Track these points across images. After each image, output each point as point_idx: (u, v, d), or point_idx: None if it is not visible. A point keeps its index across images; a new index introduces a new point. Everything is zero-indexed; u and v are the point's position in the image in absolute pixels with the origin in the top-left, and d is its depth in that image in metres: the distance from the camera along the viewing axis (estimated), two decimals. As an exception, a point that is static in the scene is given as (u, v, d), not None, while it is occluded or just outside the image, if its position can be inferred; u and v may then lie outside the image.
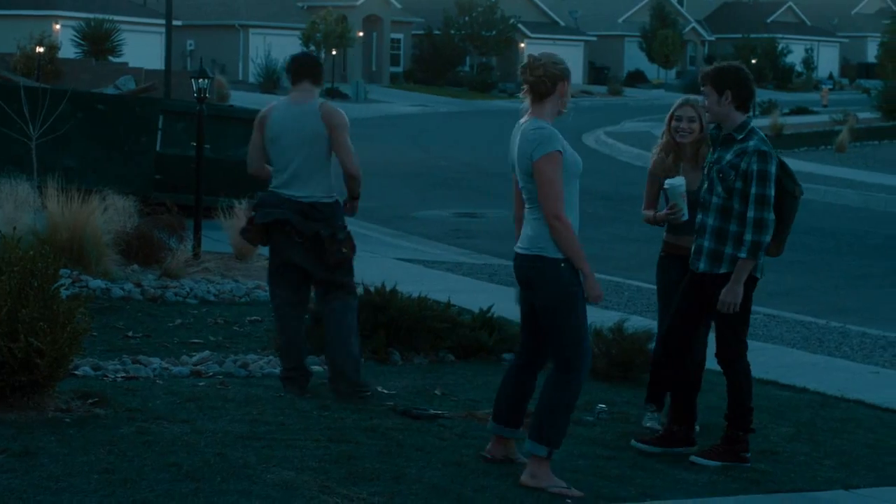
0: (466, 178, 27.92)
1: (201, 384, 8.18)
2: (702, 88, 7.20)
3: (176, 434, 6.67)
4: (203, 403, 7.48)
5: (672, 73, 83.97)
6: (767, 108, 48.53)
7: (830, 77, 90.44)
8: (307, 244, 8.03)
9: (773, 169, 7.02)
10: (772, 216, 7.03)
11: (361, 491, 5.91)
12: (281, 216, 8.09)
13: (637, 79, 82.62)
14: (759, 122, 44.70)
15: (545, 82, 6.42)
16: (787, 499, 6.57)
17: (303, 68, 8.37)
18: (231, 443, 6.57)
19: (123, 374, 8.39)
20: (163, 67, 34.28)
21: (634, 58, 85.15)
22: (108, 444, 6.39)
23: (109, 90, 18.52)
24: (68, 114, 16.32)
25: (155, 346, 9.63)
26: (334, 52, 63.50)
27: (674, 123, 7.76)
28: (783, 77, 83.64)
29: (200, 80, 13.76)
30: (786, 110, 50.60)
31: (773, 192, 7.00)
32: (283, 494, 5.76)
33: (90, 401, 7.23)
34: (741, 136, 7.08)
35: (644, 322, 10.70)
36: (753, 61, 59.35)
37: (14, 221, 11.96)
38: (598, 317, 10.04)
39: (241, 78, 64.53)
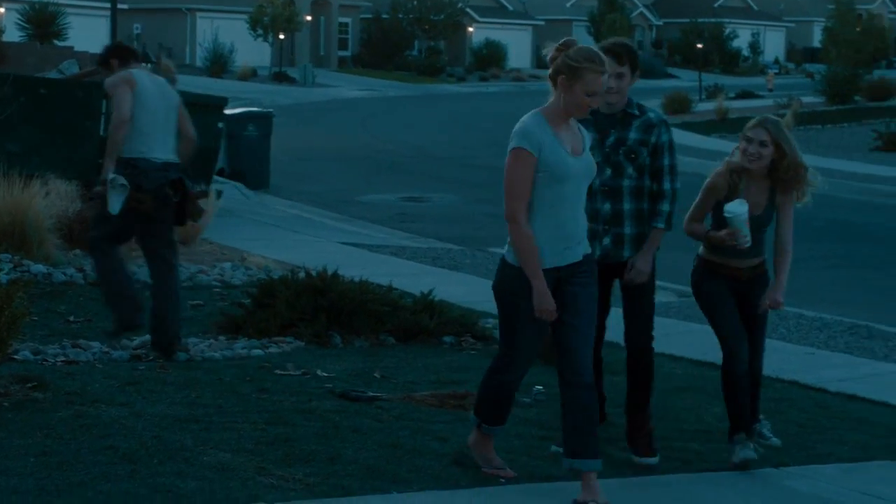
0: (413, 163, 27.98)
1: (141, 368, 8.22)
2: (619, 69, 6.79)
3: (114, 417, 6.71)
4: (142, 387, 7.52)
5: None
6: (713, 93, 48.81)
7: (776, 61, 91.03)
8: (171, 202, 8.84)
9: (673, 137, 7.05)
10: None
11: (297, 472, 5.97)
12: (174, 176, 8.88)
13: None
14: (704, 107, 45.35)
15: (552, 74, 6.02)
16: (717, 477, 6.69)
17: (127, 51, 9.66)
18: (168, 426, 6.62)
19: (63, 359, 8.41)
20: (109, 52, 34.09)
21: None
22: (45, 427, 6.42)
23: (53, 74, 18.41)
24: (10, 98, 16.21)
25: (96, 330, 9.64)
26: (282, 37, 63.33)
27: (742, 144, 6.92)
28: (730, 61, 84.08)
29: (142, 64, 13.71)
30: (731, 94, 50.92)
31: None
32: (219, 476, 5.82)
33: (29, 385, 7.25)
34: (637, 112, 6.90)
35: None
36: (699, 46, 59.50)
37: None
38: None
39: (188, 62, 64.23)
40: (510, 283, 6.05)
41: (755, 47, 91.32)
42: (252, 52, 63.22)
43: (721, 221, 6.86)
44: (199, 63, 63.49)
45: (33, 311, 9.99)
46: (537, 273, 5.93)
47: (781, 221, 6.98)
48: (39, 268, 11.64)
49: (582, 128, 6.15)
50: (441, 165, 26.04)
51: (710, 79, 63.42)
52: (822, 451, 7.42)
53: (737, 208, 6.70)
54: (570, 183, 5.97)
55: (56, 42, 46.05)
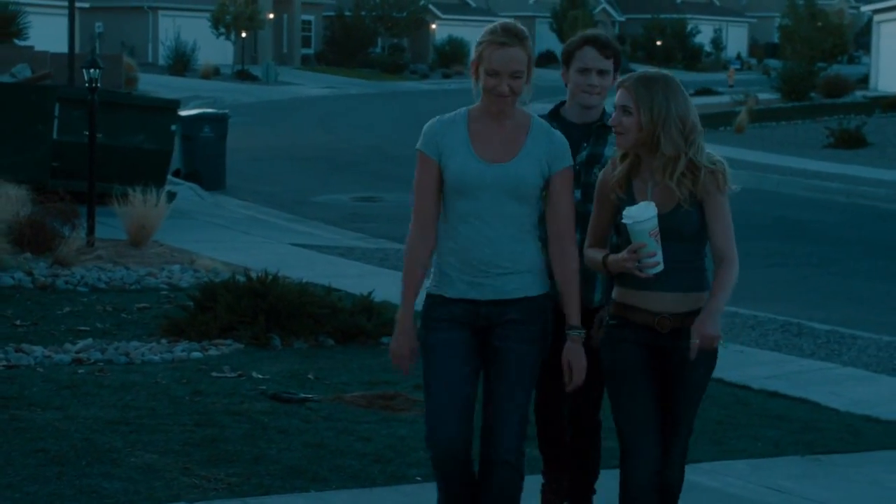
0: (369, 162, 28.21)
1: (80, 371, 8.44)
2: (603, 64, 5.70)
3: (47, 420, 6.95)
4: (79, 390, 7.75)
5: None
6: (673, 89, 49.10)
7: (738, 57, 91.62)
8: None
9: None
10: None
11: (220, 472, 6.23)
12: None
13: (548, 59, 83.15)
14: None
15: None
16: (694, 468, 6.94)
17: None
18: (100, 428, 6.86)
19: (5, 364, 8.62)
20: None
21: (545, 38, 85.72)
22: (-22, 431, 6.66)
23: (5, 78, 18.62)
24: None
25: (42, 334, 9.85)
26: (244, 35, 63.45)
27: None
28: (692, 57, 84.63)
29: (91, 70, 13.95)
30: (691, 91, 51.31)
31: None
32: (144, 476, 6.07)
33: (-33, 389, 7.48)
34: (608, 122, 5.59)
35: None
36: (659, 43, 59.95)
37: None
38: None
39: (150, 60, 64.32)
40: (421, 315, 5.06)
41: (717, 43, 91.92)
42: (215, 50, 63.33)
43: (625, 241, 5.03)
44: (161, 61, 63.55)
45: (-21, 315, 10.27)
46: (404, 302, 4.99)
47: (709, 224, 5.02)
48: (-12, 272, 11.84)
49: (551, 134, 5.06)
50: (396, 164, 26.23)
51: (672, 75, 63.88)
52: (736, 447, 7.71)
53: (637, 212, 4.93)
54: (477, 197, 4.94)
55: (16, 41, 46.09)
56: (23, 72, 18.47)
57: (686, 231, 5.05)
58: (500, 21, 5.16)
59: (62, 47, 47.20)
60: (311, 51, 74.61)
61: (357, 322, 10.19)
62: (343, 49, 73.16)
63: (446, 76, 71.59)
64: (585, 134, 5.74)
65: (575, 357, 5.07)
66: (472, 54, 5.07)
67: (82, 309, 10.99)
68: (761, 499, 6.75)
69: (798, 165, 28.00)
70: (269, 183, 24.06)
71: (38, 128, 17.30)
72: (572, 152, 5.29)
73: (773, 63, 74.46)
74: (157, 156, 17.82)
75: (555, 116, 5.76)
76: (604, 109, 5.75)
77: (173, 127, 18.36)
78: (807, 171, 26.89)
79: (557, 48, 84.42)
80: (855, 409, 8.96)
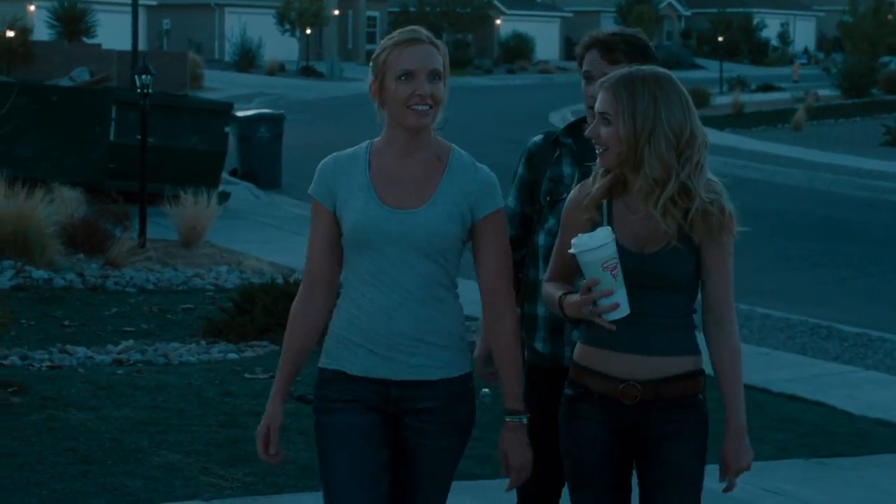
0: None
1: (119, 372, 8.84)
2: (607, 69, 4.47)
3: (80, 421, 7.34)
4: (114, 391, 8.14)
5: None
6: (735, 85, 49.15)
7: (805, 51, 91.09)
8: None
9: None
10: None
11: (238, 472, 6.58)
12: None
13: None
14: (723, 100, 45.65)
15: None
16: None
17: None
18: (129, 428, 7.24)
19: (49, 364, 9.04)
20: (138, 48, 34.87)
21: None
22: (15, 430, 7.06)
23: (64, 82, 19.16)
24: (22, 106, 16.94)
25: (89, 334, 10.27)
26: (309, 31, 64.02)
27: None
28: (758, 52, 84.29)
29: (143, 76, 14.40)
30: (753, 87, 51.27)
31: None
32: (165, 475, 6.45)
33: (10, 389, 7.88)
34: None
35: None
36: (720, 38, 59.88)
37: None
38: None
39: (216, 57, 65.08)
40: (314, 395, 4.18)
41: (784, 37, 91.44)
42: (280, 46, 63.95)
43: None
44: (227, 58, 64.29)
45: (32, 316, 10.73)
46: (278, 379, 4.15)
47: (705, 272, 4.06)
48: (41, 273, 12.28)
49: (474, 170, 4.08)
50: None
51: (737, 70, 63.71)
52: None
53: (587, 238, 3.92)
54: (381, 252, 4.02)
55: (85, 39, 46.92)
56: (81, 75, 19.01)
57: (673, 278, 4.00)
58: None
59: (129, 44, 48.08)
60: (375, 46, 75.05)
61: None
62: (408, 45, 73.52)
63: (511, 71, 71.81)
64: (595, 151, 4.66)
65: (513, 450, 4.14)
66: (370, 75, 4.05)
67: (129, 310, 11.41)
68: (756, 500, 6.99)
69: (852, 164, 28.04)
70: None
71: (96, 130, 17.81)
72: (583, 175, 4.43)
73: (840, 58, 74.21)
74: (211, 157, 18.28)
75: (571, 132, 4.76)
76: None
77: (227, 129, 18.82)
78: (860, 170, 26.93)
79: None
80: (869, 412, 9.16)
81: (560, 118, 39.18)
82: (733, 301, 4.08)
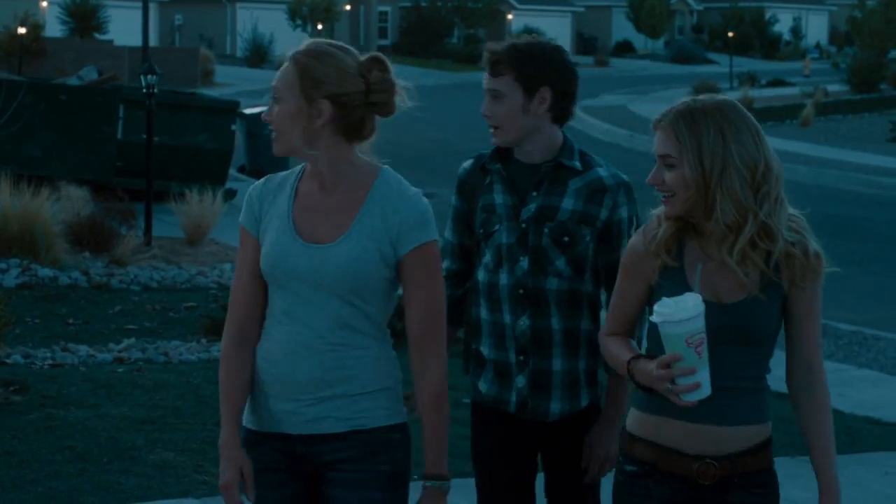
0: (433, 157, 28.67)
1: (119, 371, 9.00)
2: (491, 84, 4.31)
3: (79, 419, 7.50)
4: (113, 390, 8.30)
5: (660, 43, 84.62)
6: (745, 81, 49.21)
7: (817, 46, 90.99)
8: None
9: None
10: None
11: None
12: None
13: (625, 49, 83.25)
14: (733, 95, 45.58)
15: None
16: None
17: None
18: (126, 427, 7.40)
19: (50, 362, 9.20)
20: (151, 45, 35.09)
21: (622, 28, 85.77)
22: (15, 429, 7.22)
23: (72, 80, 19.34)
24: (31, 104, 17.14)
25: (92, 332, 10.43)
26: (320, 27, 64.18)
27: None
28: (770, 46, 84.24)
29: (148, 77, 14.56)
30: (764, 81, 51.32)
31: None
32: (159, 473, 6.61)
33: (11, 388, 8.04)
34: (579, 164, 4.33)
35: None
36: (731, 34, 59.89)
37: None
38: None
39: (228, 52, 65.27)
40: None
41: (797, 31, 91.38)
42: (291, 41, 62.36)
43: (658, 340, 3.57)
44: (239, 53, 64.47)
45: (36, 314, 10.89)
46: (225, 425, 3.74)
47: (794, 322, 3.65)
48: (46, 272, 12.43)
49: (401, 198, 3.68)
50: (460, 159, 26.63)
51: (749, 64, 63.72)
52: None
53: (674, 306, 3.43)
54: (291, 290, 3.66)
55: (97, 35, 47.14)
56: (89, 74, 19.19)
57: (756, 331, 3.57)
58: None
59: (141, 41, 48.30)
60: (387, 42, 75.26)
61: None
62: (419, 40, 73.70)
63: (522, 66, 71.90)
64: (533, 178, 4.32)
65: None
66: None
67: (132, 308, 11.56)
68: (739, 499, 7.12)
69: (859, 160, 28.09)
70: (333, 178, 24.61)
71: (104, 129, 17.99)
72: (519, 202, 4.29)
73: (851, 51, 74.17)
74: (218, 155, 18.45)
75: (500, 155, 4.37)
76: (564, 141, 4.34)
77: (233, 126, 18.99)
78: (867, 167, 26.99)
79: (634, 38, 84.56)
80: (859, 410, 9.28)
81: (569, 114, 39.00)
82: (822, 354, 3.73)
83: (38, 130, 17.49)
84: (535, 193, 4.31)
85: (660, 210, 3.62)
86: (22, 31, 37.21)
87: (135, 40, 45.42)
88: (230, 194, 17.56)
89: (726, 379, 3.52)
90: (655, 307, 3.44)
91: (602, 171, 4.35)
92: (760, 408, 3.66)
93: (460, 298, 4.46)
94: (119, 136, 18.04)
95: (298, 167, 3.77)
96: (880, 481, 7.63)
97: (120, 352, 9.68)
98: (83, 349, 9.66)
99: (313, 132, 3.64)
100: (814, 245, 3.56)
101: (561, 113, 4.34)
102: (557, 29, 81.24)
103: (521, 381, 4.30)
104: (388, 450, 3.67)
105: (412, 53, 72.85)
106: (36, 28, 40.69)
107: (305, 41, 3.84)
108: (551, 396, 4.32)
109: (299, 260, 3.63)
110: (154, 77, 14.52)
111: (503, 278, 4.32)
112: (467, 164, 4.47)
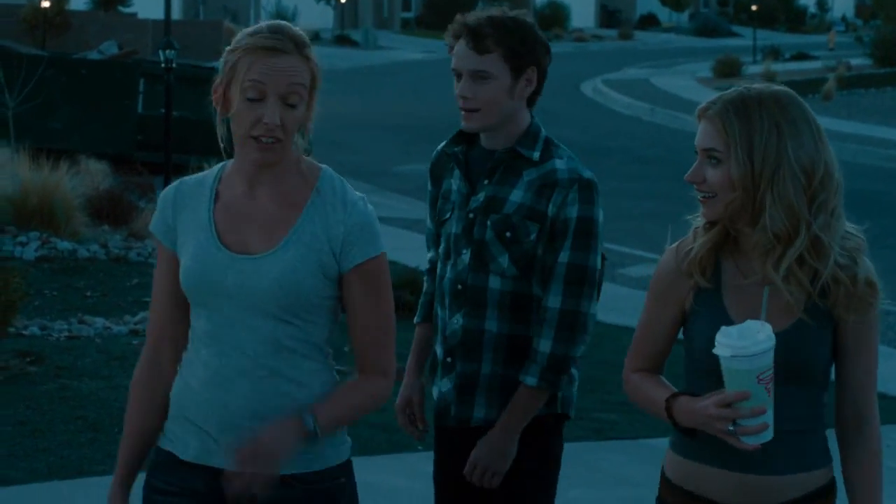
0: (452, 130, 28.81)
1: (134, 343, 9.13)
2: (476, 63, 3.87)
3: (92, 390, 7.65)
4: (127, 361, 8.43)
5: (684, 16, 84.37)
6: (768, 54, 49.06)
7: (843, 19, 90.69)
8: None
9: (601, 215, 3.94)
10: (594, 307, 3.96)
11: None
12: None
13: (649, 22, 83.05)
14: (755, 69, 45.57)
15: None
16: (621, 445, 7.51)
17: None
18: (138, 397, 7.54)
19: (67, 334, 9.35)
20: (174, 18, 35.23)
21: (647, 0, 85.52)
22: (29, 399, 7.38)
23: (93, 55, 19.51)
24: (52, 78, 17.31)
25: (109, 305, 10.57)
26: (343, 0, 64.25)
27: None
28: (795, 19, 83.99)
29: (167, 51, 14.70)
30: (787, 55, 51.16)
31: (599, 260, 3.95)
32: (169, 443, 6.74)
33: (28, 359, 8.21)
34: (538, 155, 3.92)
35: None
36: (754, 7, 59.70)
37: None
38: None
39: (252, 25, 65.41)
40: (144, 483, 3.39)
41: (823, 4, 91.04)
42: (315, 14, 64.25)
43: (703, 374, 3.16)
44: (263, 26, 64.59)
45: (55, 286, 11.06)
46: (117, 471, 3.38)
47: (844, 357, 3.22)
48: (65, 245, 12.58)
49: (345, 202, 3.22)
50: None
51: (773, 37, 63.50)
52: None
53: (744, 337, 2.99)
54: (218, 308, 3.20)
55: (120, 9, 47.32)
56: (110, 49, 19.36)
57: (803, 366, 3.13)
58: (268, 21, 3.34)
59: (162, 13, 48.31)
60: (410, 14, 75.26)
61: (400, 295, 10.79)
62: (443, 12, 73.54)
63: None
64: (486, 165, 3.95)
65: (274, 433, 3.12)
66: (217, 76, 3.24)
67: (149, 281, 11.52)
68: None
69: (880, 135, 28.07)
70: (354, 152, 24.76)
71: (124, 103, 18.15)
72: (471, 189, 3.93)
73: (876, 24, 73.86)
74: (238, 128, 18.57)
75: (461, 138, 4.04)
76: (528, 127, 3.95)
77: (253, 101, 19.10)
78: (887, 141, 26.97)
79: (659, 10, 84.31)
80: (866, 384, 9.36)
81: (592, 88, 39.25)
82: (875, 393, 3.25)
83: (59, 105, 17.66)
84: (486, 182, 3.94)
85: (698, 222, 3.21)
86: (46, 4, 37.34)
87: (158, 13, 45.45)
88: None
89: (780, 421, 3.06)
90: (718, 337, 2.99)
91: (560, 164, 3.91)
92: (816, 451, 3.20)
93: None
94: (139, 110, 18.20)
95: (216, 167, 3.32)
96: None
97: (136, 324, 9.82)
98: (99, 321, 9.80)
99: None
100: (866, 271, 3.16)
101: (535, 96, 3.99)
102: (582, 2, 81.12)
103: (446, 384, 3.97)
104: (331, 497, 3.21)
105: (436, 26, 72.81)
106: (60, 1, 40.84)
107: None
108: (475, 403, 3.93)
109: (226, 274, 3.17)
110: (172, 52, 14.67)
111: (448, 271, 3.98)
112: (440, 146, 4.15)
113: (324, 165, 3.32)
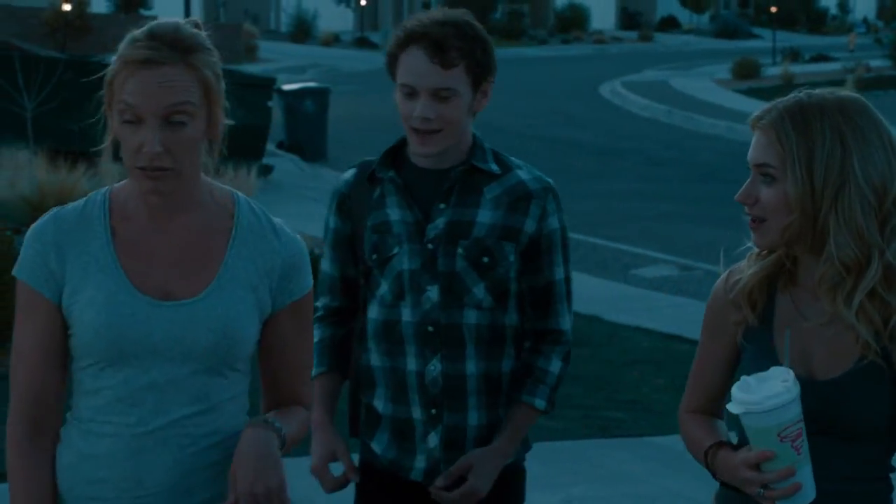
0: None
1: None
2: (443, 80, 3.35)
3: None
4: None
5: (705, 17, 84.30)
6: (788, 56, 49.01)
7: (865, 20, 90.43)
8: None
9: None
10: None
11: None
12: None
13: (669, 24, 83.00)
14: (775, 71, 45.49)
15: None
16: (625, 443, 7.56)
17: None
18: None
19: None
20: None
21: (667, 3, 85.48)
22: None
23: (112, 58, 19.64)
24: (70, 81, 17.43)
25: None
26: (364, 2, 64.39)
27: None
28: (816, 20, 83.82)
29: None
30: (807, 57, 51.09)
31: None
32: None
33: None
34: (496, 167, 3.49)
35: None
36: (773, 9, 59.60)
37: (11, 188, 13.14)
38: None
39: (273, 27, 65.63)
40: None
41: (844, 5, 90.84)
42: (335, 17, 64.42)
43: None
44: (283, 29, 64.80)
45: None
46: None
47: None
48: (81, 245, 12.68)
49: (273, 230, 2.82)
50: (496, 136, 26.81)
51: (794, 39, 63.39)
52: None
53: (755, 392, 2.61)
54: (130, 365, 2.69)
55: (141, 11, 47.57)
56: (126, 51, 19.50)
57: (865, 418, 2.71)
58: (157, 21, 2.81)
59: (184, 16, 48.40)
60: (431, 17, 75.42)
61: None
62: (463, 15, 73.81)
63: (565, 42, 71.91)
64: (440, 187, 3.47)
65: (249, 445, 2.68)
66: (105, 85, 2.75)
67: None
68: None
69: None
70: (371, 153, 24.75)
71: (142, 104, 18.23)
72: (423, 216, 3.43)
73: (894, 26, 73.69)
74: (254, 131, 18.68)
75: (393, 161, 3.54)
76: (474, 140, 3.50)
77: (269, 103, 19.23)
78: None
79: (679, 12, 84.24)
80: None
81: (610, 90, 39.20)
82: None
83: (76, 107, 17.78)
84: (442, 206, 3.45)
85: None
86: (67, 7, 37.58)
87: (179, 16, 45.64)
88: (266, 170, 17.82)
89: (827, 480, 2.65)
90: (733, 390, 2.62)
91: (523, 174, 3.49)
92: None
93: (343, 340, 3.62)
94: (157, 111, 18.27)
95: (97, 194, 2.78)
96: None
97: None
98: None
99: None
100: None
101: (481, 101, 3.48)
102: (601, 3, 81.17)
103: (433, 440, 3.48)
104: None
105: (456, 29, 73.02)
106: (81, 4, 41.07)
107: None
108: (416, 449, 3.50)
109: (151, 326, 2.66)
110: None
111: (406, 314, 3.44)
112: (348, 174, 3.60)
113: (233, 189, 2.86)
